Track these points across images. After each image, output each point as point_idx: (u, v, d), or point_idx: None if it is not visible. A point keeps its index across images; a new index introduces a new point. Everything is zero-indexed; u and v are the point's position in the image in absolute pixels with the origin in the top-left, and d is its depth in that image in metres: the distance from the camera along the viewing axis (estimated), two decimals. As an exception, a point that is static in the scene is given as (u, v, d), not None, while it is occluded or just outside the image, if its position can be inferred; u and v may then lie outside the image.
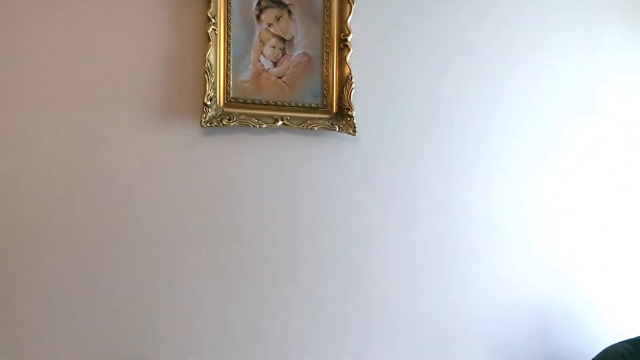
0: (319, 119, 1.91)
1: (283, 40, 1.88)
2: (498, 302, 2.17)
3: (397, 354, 2.01)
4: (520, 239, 2.22)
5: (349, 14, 1.93)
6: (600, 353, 2.09)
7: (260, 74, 1.85)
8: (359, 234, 1.99)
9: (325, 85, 1.93)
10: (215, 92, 1.77)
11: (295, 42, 1.90)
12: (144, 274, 1.73)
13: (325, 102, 1.93)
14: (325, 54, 1.93)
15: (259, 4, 1.85)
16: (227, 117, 1.77)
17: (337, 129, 1.91)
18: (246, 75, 1.83)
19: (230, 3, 1.80)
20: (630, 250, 2.41)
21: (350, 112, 1.92)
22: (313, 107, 1.91)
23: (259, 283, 1.85)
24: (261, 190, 1.86)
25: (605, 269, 2.36)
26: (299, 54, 1.90)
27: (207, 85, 1.75)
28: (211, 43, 1.77)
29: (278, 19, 1.88)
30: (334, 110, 1.93)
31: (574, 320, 2.29)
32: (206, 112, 1.74)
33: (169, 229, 1.76)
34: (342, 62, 1.94)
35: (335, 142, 1.95)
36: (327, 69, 1.93)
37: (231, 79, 1.80)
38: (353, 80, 1.92)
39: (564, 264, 2.29)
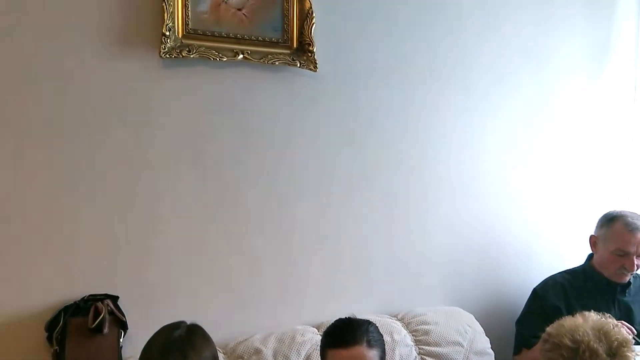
0: (280, 54, 1.88)
1: (242, -31, 1.83)
2: (452, 235, 2.27)
3: (359, 283, 2.10)
4: (473, 183, 2.31)
5: (310, -56, 1.88)
6: (542, 282, 2.25)
7: (219, 5, 1.80)
8: (320, 171, 2.01)
9: (285, 19, 1.89)
10: (174, 23, 1.72)
11: (254, -28, 1.85)
12: (108, 210, 1.71)
13: (285, 37, 1.90)
14: (285, -14, 1.89)
15: None
16: (187, 49, 1.73)
17: (298, 65, 1.90)
18: (205, 5, 1.78)
19: None
20: (570, 197, 2.54)
21: (311, 48, 1.91)
22: (273, 42, 1.88)
23: (219, 216, 1.86)
24: (222, 125, 1.85)
25: (549, 210, 2.49)
26: (258, -15, 1.86)
27: (165, 14, 1.69)
28: (168, -30, 1.70)
29: (237, -53, 1.82)
30: (295, 46, 1.91)
31: (519, 253, 2.43)
32: (165, 43, 1.69)
33: (128, 162, 1.73)
34: (302, -5, 1.90)
35: (297, 78, 1.94)
36: (287, 2, 1.89)
37: (190, 9, 1.75)
38: (314, 14, 1.90)
39: (514, 204, 2.41)
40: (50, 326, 1.57)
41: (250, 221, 1.91)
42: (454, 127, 2.26)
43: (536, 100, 2.44)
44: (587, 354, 1.36)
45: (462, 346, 2.00)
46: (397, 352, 1.88)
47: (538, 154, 2.46)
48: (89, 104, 1.67)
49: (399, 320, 2.05)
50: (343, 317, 1.61)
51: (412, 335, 1.98)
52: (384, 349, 1.56)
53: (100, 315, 1.57)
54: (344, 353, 1.47)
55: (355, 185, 2.08)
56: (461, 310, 2.17)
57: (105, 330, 1.57)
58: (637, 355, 1.83)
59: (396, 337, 1.92)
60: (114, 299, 1.66)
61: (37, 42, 1.61)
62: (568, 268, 2.29)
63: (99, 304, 1.60)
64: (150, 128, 1.75)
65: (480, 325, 2.11)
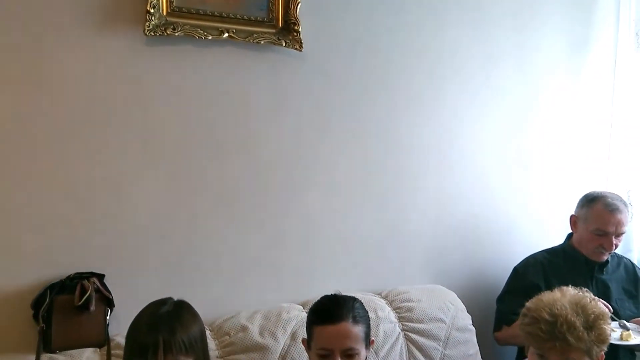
0: (265, 33, 1.88)
1: (226, -53, 1.81)
2: (435, 215, 2.30)
3: (343, 262, 2.12)
4: (455, 163, 2.34)
5: None
6: (522, 261, 2.29)
7: (204, -18, 1.79)
8: (304, 150, 2.02)
9: (270, -3, 1.89)
10: (158, 0, 1.70)
11: (239, -50, 1.83)
12: (94, 188, 1.70)
13: (271, 16, 1.89)
14: (270, -37, 1.88)
15: None
16: (172, 27, 1.72)
17: (284, 44, 1.90)
18: (190, -17, 1.77)
19: None
20: (550, 178, 2.59)
21: (296, 27, 1.90)
22: (259, 21, 1.87)
23: (204, 195, 1.86)
24: (206, 104, 1.84)
25: (530, 191, 2.54)
26: (243, -37, 1.84)
27: (150, -9, 1.68)
28: (152, -54, 1.68)
29: None
30: (280, 25, 1.90)
31: (500, 233, 2.47)
32: (149, 20, 1.68)
33: (111, 140, 1.72)
34: (287, -27, 1.89)
35: (282, 58, 1.94)
36: (272, -20, 1.88)
37: (175, -14, 1.74)
38: (299, -7, 1.89)
39: (496, 186, 2.44)
40: (36, 304, 1.57)
41: (235, 200, 1.91)
42: (437, 108, 2.28)
43: (521, 84, 2.47)
44: (564, 327, 1.40)
45: (445, 322, 2.04)
46: (381, 328, 1.92)
47: (520, 137, 2.49)
48: (72, 81, 1.66)
49: (382, 298, 2.08)
50: (329, 294, 1.64)
51: (396, 312, 2.01)
52: (369, 324, 1.59)
53: (86, 292, 1.57)
54: (330, 329, 1.50)
55: (340, 165, 2.09)
56: (443, 288, 2.21)
57: (92, 307, 1.58)
58: (614, 330, 1.90)
59: (380, 314, 1.96)
60: (100, 277, 1.66)
61: (18, 19, 1.58)
62: (548, 247, 2.34)
63: (85, 282, 1.60)
64: (134, 106, 1.74)
65: (462, 303, 2.15)
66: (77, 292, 1.57)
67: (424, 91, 2.24)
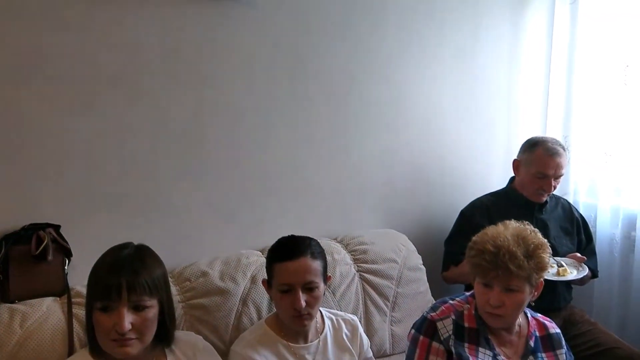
0: (216, -21, 1.85)
1: None
2: (384, 164, 2.38)
3: (298, 210, 2.17)
4: (408, 107, 2.41)
5: None
6: (468, 204, 2.40)
7: None
8: (258, 99, 2.02)
9: (220, -57, 1.85)
10: (103, -58, 1.65)
11: None
12: (47, 141, 1.66)
13: (221, -38, 1.87)
14: None
15: None
16: (118, -29, 1.67)
17: (235, -9, 1.88)
18: None
19: None
20: (490, 127, 2.70)
21: (247, -26, 1.89)
22: (209, -34, 1.85)
23: (159, 145, 1.85)
24: (155, 53, 1.80)
25: (475, 137, 2.65)
26: None
27: None
28: None
29: None
30: (231, -29, 1.88)
31: (447, 178, 2.58)
32: (95, -36, 1.63)
33: (70, 93, 1.68)
34: None
35: (233, 7, 1.91)
36: None
37: None
38: (249, -62, 1.87)
39: (443, 133, 2.54)
40: (-9, 256, 1.55)
41: (191, 149, 1.91)
42: (387, 57, 2.32)
43: (464, 35, 2.55)
44: (506, 256, 1.50)
45: (397, 263, 2.13)
46: (337, 270, 1.99)
47: (465, 86, 2.58)
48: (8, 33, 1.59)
49: (338, 242, 2.15)
50: (285, 235, 1.69)
51: (351, 254, 2.09)
52: (326, 260, 1.66)
53: (43, 242, 1.56)
54: (289, 265, 1.56)
55: (293, 114, 2.11)
56: (395, 231, 2.30)
57: (50, 257, 1.56)
58: (551, 266, 2.04)
59: (336, 256, 2.03)
60: (56, 227, 1.64)
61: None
62: (492, 190, 2.46)
63: (41, 232, 1.58)
64: (77, 55, 1.69)
65: (412, 245, 2.25)
66: (33, 242, 1.55)
67: (375, 44, 2.27)
